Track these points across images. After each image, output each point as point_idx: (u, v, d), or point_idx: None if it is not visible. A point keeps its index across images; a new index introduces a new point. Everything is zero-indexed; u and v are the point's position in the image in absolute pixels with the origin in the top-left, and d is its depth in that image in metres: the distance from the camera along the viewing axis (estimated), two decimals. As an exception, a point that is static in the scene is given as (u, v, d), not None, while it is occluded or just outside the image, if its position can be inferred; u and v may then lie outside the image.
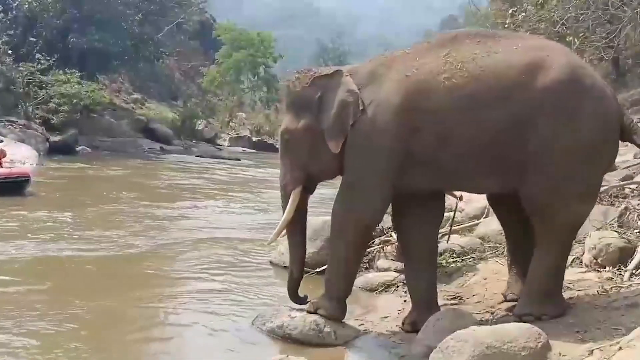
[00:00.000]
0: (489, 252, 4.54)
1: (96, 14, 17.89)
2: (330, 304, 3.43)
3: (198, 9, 24.61)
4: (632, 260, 3.66)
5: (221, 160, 16.89)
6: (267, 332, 3.50)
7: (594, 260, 3.80)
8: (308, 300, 3.56)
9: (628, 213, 4.17)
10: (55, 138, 15.25)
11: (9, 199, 7.60)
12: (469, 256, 4.54)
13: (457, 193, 4.82)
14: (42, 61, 16.13)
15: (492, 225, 4.94)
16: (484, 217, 5.34)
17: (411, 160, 3.18)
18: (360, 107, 3.22)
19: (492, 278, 3.93)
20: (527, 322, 3.08)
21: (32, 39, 17.37)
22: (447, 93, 3.06)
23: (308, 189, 3.51)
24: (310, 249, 4.28)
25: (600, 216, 4.25)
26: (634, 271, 3.58)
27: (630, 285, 3.43)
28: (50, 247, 5.46)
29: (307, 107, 3.36)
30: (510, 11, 7.95)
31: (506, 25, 7.81)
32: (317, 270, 4.56)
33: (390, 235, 5.00)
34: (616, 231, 4.01)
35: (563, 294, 3.40)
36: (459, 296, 3.98)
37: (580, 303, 3.34)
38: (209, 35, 27.53)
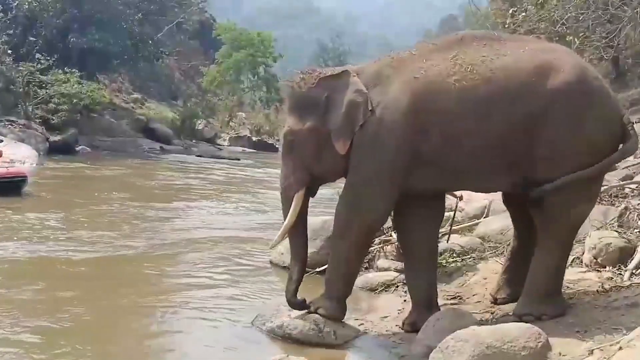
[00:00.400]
0: (489, 252, 4.54)
1: (96, 13, 17.90)
2: (330, 304, 3.43)
3: (198, 8, 24.62)
4: (632, 260, 3.66)
5: (221, 160, 16.89)
6: (267, 331, 3.50)
7: (594, 260, 3.80)
8: (308, 302, 3.53)
9: (628, 213, 4.17)
10: (55, 138, 15.24)
11: (5, 199, 7.54)
12: (469, 256, 4.54)
13: (457, 193, 4.83)
14: (42, 61, 16.12)
15: (492, 225, 4.94)
16: (484, 217, 5.35)
17: (419, 161, 3.19)
18: (370, 108, 3.20)
19: (492, 278, 3.92)
20: (527, 322, 3.09)
21: (32, 38, 17.37)
22: (458, 95, 3.08)
23: (310, 191, 3.48)
24: (310, 248, 4.26)
25: (600, 216, 4.25)
26: (634, 271, 3.58)
27: (630, 285, 3.43)
28: (46, 248, 5.41)
29: (313, 107, 3.32)
30: (510, 11, 7.94)
31: (506, 25, 7.81)
32: (317, 270, 4.56)
33: (390, 235, 5.00)
34: (616, 231, 4.01)
35: (563, 293, 3.40)
36: (459, 296, 3.98)
37: (581, 303, 3.34)
38: (209, 35, 27.53)
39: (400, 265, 4.38)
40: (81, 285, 4.48)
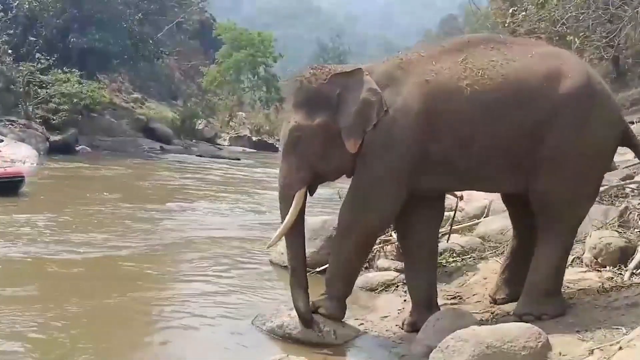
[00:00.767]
0: (489, 252, 4.54)
1: (96, 13, 17.88)
2: (330, 304, 3.42)
3: (198, 8, 24.61)
4: (632, 259, 3.66)
5: (221, 160, 16.88)
6: (267, 331, 3.50)
7: (595, 260, 3.80)
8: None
9: (628, 212, 4.17)
10: (55, 137, 15.23)
11: (3, 199, 7.50)
12: (469, 256, 4.54)
13: (457, 192, 4.83)
14: (42, 61, 16.12)
15: (492, 224, 4.94)
16: (484, 217, 5.35)
17: (427, 163, 3.20)
18: (385, 108, 3.18)
19: (492, 278, 3.92)
20: (527, 322, 3.09)
21: (32, 38, 17.35)
22: (470, 99, 3.11)
23: (310, 190, 3.44)
24: (310, 248, 4.28)
25: (600, 216, 4.25)
26: (634, 271, 3.58)
27: (631, 284, 3.43)
28: (43, 249, 5.36)
29: (325, 104, 3.26)
30: (510, 10, 7.95)
31: (506, 25, 7.81)
32: (317, 270, 4.56)
33: (390, 235, 5.00)
34: (616, 231, 4.01)
35: (563, 293, 3.40)
36: (459, 296, 3.98)
37: (581, 303, 3.34)
38: (209, 35, 27.53)
39: (400, 265, 4.38)
40: (78, 286, 4.47)
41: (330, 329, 3.39)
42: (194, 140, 21.10)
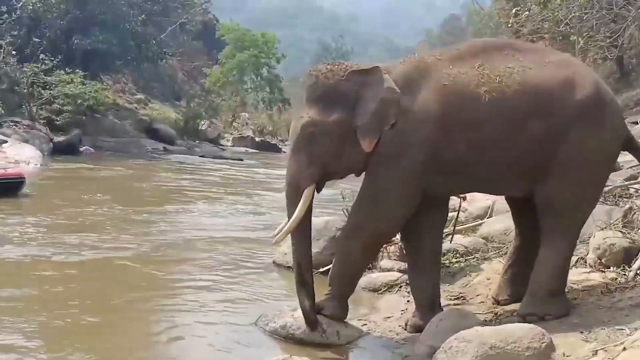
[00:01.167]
0: (492, 252, 4.53)
1: (100, 14, 17.94)
2: (332, 304, 3.42)
3: (201, 9, 24.66)
4: (636, 260, 3.65)
5: (224, 161, 16.90)
6: (270, 332, 3.50)
7: (598, 261, 3.79)
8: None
9: (632, 213, 4.16)
10: (59, 138, 15.29)
11: (2, 200, 7.47)
12: (472, 256, 4.53)
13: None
14: (46, 62, 16.17)
15: (495, 225, 4.93)
16: (488, 217, 5.33)
17: (443, 168, 3.21)
18: (402, 109, 3.17)
19: (495, 278, 3.91)
20: (530, 322, 3.08)
21: (36, 39, 17.40)
22: (487, 106, 3.14)
23: (317, 188, 3.38)
24: (313, 249, 4.26)
25: (604, 216, 4.24)
26: (638, 271, 3.57)
27: (635, 285, 3.42)
28: (46, 251, 5.33)
29: (342, 101, 3.20)
30: (513, 10, 7.94)
31: (510, 25, 7.81)
32: (320, 270, 4.55)
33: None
34: (620, 231, 3.99)
35: (567, 294, 3.39)
36: (462, 296, 3.97)
37: (585, 303, 3.33)
38: (212, 36, 27.58)
39: (403, 265, 4.37)
40: (80, 288, 4.46)
41: (334, 329, 3.39)
42: (197, 141, 21.13)
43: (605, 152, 3.29)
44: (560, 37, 7.18)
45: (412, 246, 3.54)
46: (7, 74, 15.97)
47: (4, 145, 12.60)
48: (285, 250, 5.02)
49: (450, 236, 4.75)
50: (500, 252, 4.44)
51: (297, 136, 3.29)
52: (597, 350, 2.71)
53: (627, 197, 4.91)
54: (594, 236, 3.89)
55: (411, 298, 3.72)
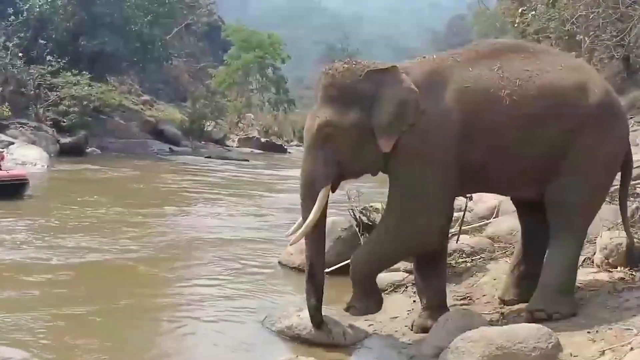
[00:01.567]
0: (498, 252, 4.52)
1: (106, 16, 18.02)
2: (365, 304, 3.41)
3: (207, 10, 24.73)
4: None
5: (229, 161, 16.93)
6: (276, 332, 3.51)
7: (605, 261, 3.77)
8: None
9: (639, 212, 4.13)
10: (65, 140, 15.36)
11: (5, 202, 7.48)
12: (478, 256, 4.52)
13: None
14: (53, 63, 16.27)
15: (501, 225, 4.92)
16: (494, 217, 5.32)
17: (464, 169, 3.20)
18: (421, 109, 3.14)
19: (501, 278, 3.90)
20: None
21: (42, 41, 17.51)
22: (508, 109, 3.16)
23: (332, 188, 3.33)
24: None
25: (611, 216, 4.21)
26: (645, 271, 3.55)
27: (642, 285, 3.41)
28: (50, 253, 5.33)
29: (360, 101, 3.15)
30: (519, 10, 7.92)
31: (515, 25, 7.78)
32: (326, 270, 4.54)
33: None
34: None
35: (575, 294, 3.38)
36: (468, 296, 3.96)
37: (592, 303, 3.32)
38: (218, 37, 27.65)
39: (409, 265, 4.36)
40: (86, 289, 4.47)
41: (340, 329, 3.39)
42: (202, 142, 21.20)
43: (613, 156, 3.35)
44: (567, 37, 7.16)
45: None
46: (14, 76, 16.06)
47: (10, 146, 12.69)
48: (291, 251, 5.03)
49: (457, 236, 4.74)
50: (507, 252, 4.43)
51: (312, 136, 3.24)
52: (604, 351, 2.70)
53: (634, 197, 4.88)
54: (601, 236, 3.87)
55: (417, 298, 3.72)
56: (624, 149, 3.41)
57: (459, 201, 4.67)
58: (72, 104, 16.13)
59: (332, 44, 42.95)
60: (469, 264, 4.42)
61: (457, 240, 4.70)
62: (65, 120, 15.97)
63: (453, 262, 4.38)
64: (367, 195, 5.62)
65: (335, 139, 3.18)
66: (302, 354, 3.02)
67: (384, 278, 4.51)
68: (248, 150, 21.54)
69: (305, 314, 3.42)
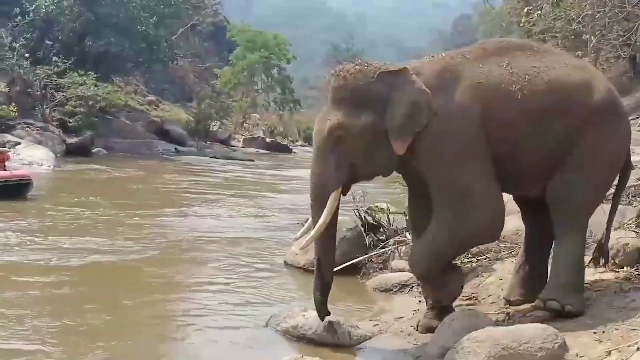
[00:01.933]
0: (504, 252, 4.51)
1: (112, 17, 18.10)
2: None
3: (212, 11, 24.79)
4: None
5: (235, 161, 16.96)
6: (282, 332, 3.51)
7: (612, 261, 3.76)
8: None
9: (643, 213, 4.11)
10: (71, 140, 15.44)
11: (7, 203, 7.48)
12: (484, 256, 4.52)
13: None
14: (59, 64, 16.34)
15: (507, 225, 4.86)
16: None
17: None
18: (434, 110, 3.11)
19: (507, 278, 3.89)
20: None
21: (48, 42, 17.61)
22: (519, 105, 3.16)
23: (343, 191, 3.30)
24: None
25: (617, 216, 4.19)
26: (652, 271, 3.54)
27: (649, 285, 3.39)
28: (53, 254, 5.32)
29: (372, 103, 3.11)
30: (525, 10, 7.89)
31: (521, 24, 7.76)
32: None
33: (405, 236, 4.98)
34: (634, 231, 3.96)
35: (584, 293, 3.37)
36: (474, 297, 3.96)
37: (598, 303, 3.31)
38: (223, 37, 27.70)
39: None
40: (91, 290, 4.48)
41: (345, 329, 3.39)
42: (208, 142, 21.25)
43: (616, 156, 3.36)
44: (573, 36, 7.14)
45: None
46: (20, 77, 16.15)
47: (17, 147, 12.76)
48: (295, 251, 5.03)
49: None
50: (512, 252, 4.42)
51: (323, 139, 3.17)
52: (610, 351, 2.69)
53: (638, 198, 4.86)
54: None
55: (423, 298, 3.71)
56: (625, 150, 3.42)
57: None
58: (78, 105, 16.20)
59: (337, 44, 42.96)
60: (474, 264, 4.42)
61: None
62: (71, 120, 16.05)
63: (459, 262, 4.36)
64: (372, 195, 5.62)
65: (346, 141, 3.14)
66: (307, 354, 3.02)
67: (389, 278, 4.52)
68: (253, 150, 21.58)
69: (311, 314, 3.43)
